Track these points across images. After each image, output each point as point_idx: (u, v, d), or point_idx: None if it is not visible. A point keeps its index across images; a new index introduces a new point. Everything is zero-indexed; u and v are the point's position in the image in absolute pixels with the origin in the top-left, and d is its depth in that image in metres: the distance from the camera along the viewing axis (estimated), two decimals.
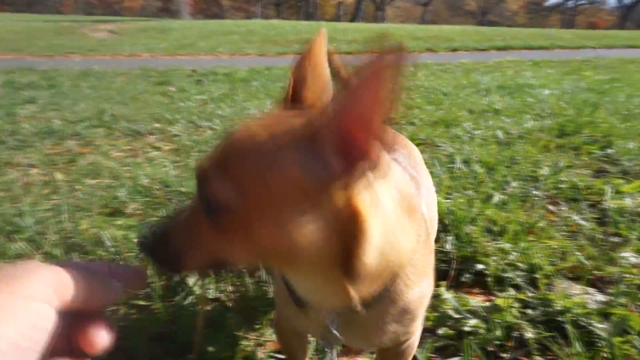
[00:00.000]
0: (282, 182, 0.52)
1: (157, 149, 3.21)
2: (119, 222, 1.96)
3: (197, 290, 1.37)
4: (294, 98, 0.64)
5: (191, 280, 1.44)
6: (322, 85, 0.65)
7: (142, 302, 1.38)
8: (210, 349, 1.11)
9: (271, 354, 1.17)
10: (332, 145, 0.50)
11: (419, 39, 16.54)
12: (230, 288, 1.45)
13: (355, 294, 0.62)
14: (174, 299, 1.41)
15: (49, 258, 1.63)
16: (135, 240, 0.64)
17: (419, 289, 0.72)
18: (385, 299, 0.68)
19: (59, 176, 2.55)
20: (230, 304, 1.36)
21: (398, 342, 0.82)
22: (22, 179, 2.49)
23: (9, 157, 2.89)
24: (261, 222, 0.54)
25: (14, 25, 20.51)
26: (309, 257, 0.56)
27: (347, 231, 0.55)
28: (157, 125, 3.81)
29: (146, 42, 15.46)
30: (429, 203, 0.90)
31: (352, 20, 37.44)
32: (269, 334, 1.23)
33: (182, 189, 2.27)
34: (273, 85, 6.23)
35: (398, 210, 0.62)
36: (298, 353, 1.02)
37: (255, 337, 1.20)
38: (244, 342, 1.18)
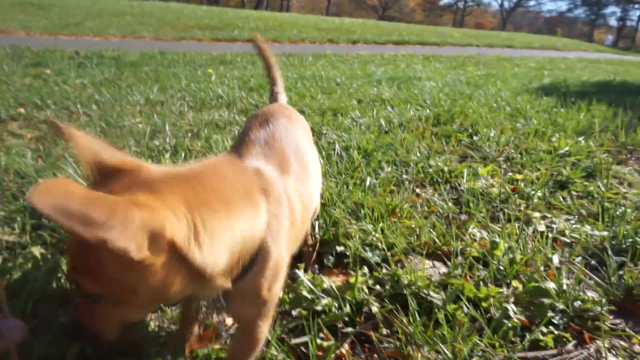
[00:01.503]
0: (112, 268, 0.64)
1: (19, 136, 2.87)
2: None
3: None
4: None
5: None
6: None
7: None
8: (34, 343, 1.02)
9: None
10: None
11: (321, 29, 16.79)
12: None
13: (221, 284, 0.76)
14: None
15: None
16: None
17: (269, 279, 0.87)
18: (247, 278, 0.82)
19: None
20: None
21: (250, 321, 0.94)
22: None
23: None
24: (123, 293, 0.67)
25: None
26: (174, 288, 0.69)
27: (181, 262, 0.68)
28: (22, 110, 3.42)
29: (22, 18, 13.79)
30: (300, 188, 1.03)
31: (256, 8, 36.88)
32: None
33: (40, 180, 2.05)
34: (166, 70, 5.92)
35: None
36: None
37: None
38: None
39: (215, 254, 0.71)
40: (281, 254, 0.88)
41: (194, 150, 2.63)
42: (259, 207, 0.81)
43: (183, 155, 2.53)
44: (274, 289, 0.91)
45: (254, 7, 36.24)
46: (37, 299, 1.24)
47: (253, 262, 0.81)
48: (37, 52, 7.16)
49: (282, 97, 1.60)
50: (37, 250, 1.41)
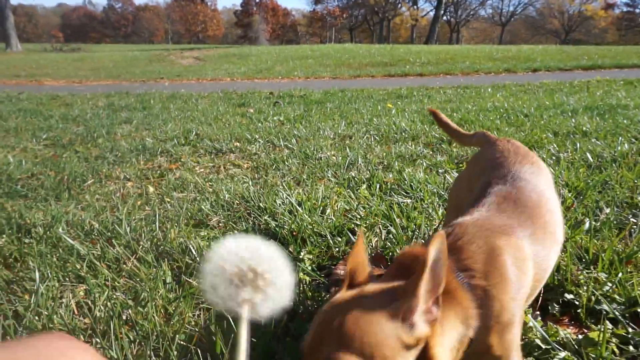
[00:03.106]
0: (387, 347, 0.70)
1: (238, 166, 3.37)
2: (203, 233, 2.08)
3: None
4: (350, 283, 0.83)
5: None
6: (365, 272, 0.84)
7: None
8: None
9: None
10: (415, 314, 0.72)
11: (496, 59, 16.04)
12: (308, 302, 1.48)
13: None
14: None
15: (143, 263, 1.76)
16: None
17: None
18: None
19: (150, 189, 2.76)
20: (309, 312, 1.38)
21: None
22: (119, 191, 2.74)
23: (109, 171, 3.19)
24: None
25: (113, 56, 22.78)
26: None
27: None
28: (238, 144, 4.02)
29: (227, 67, 16.45)
30: (536, 249, 0.98)
31: (426, 42, 37.14)
32: None
33: (261, 204, 2.36)
34: (347, 106, 6.33)
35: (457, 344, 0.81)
36: None
37: None
38: None
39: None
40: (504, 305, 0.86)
41: (388, 182, 2.71)
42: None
43: (378, 186, 2.63)
44: (505, 338, 0.87)
45: (424, 42, 36.64)
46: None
47: None
48: (241, 94, 8.41)
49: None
50: None
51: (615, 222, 2.01)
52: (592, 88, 8.30)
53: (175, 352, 1.24)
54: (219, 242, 0.56)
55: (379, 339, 0.69)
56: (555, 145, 3.49)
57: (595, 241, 1.77)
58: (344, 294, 0.79)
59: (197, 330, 1.36)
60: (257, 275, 0.54)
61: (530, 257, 0.95)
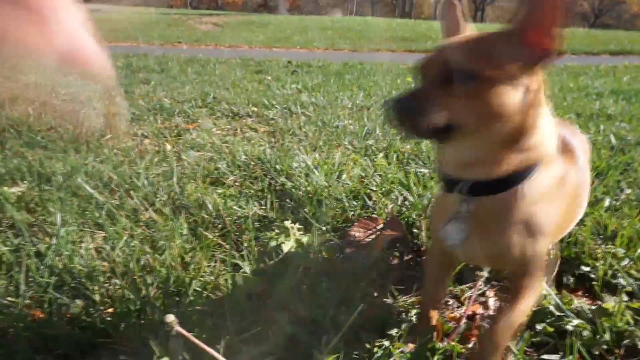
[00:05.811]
0: (500, 61, 0.81)
1: (254, 130, 3.37)
2: (219, 191, 2.10)
3: None
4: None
5: (285, 248, 1.51)
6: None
7: (236, 261, 1.47)
8: (302, 310, 1.16)
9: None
10: (523, 40, 0.81)
11: None
12: (323, 255, 1.50)
13: (504, 163, 0.86)
14: (268, 263, 1.49)
15: (160, 214, 1.79)
16: (387, 105, 0.84)
17: (546, 206, 0.92)
18: (514, 191, 0.89)
19: (168, 147, 2.78)
20: (323, 269, 1.40)
21: (518, 266, 0.95)
22: (137, 147, 2.76)
23: (127, 128, 3.20)
24: (490, 87, 0.79)
25: (132, 17, 22.62)
26: (504, 122, 0.82)
27: (531, 109, 0.85)
28: (255, 108, 4.00)
29: (246, 34, 16.25)
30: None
31: None
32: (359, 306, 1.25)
33: (277, 166, 2.36)
34: (366, 79, 6.24)
35: (551, 123, 0.95)
36: (438, 286, 1.17)
37: (344, 306, 1.23)
38: (334, 310, 1.21)
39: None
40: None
41: (405, 152, 2.69)
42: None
43: (395, 156, 2.60)
44: (535, 241, 0.91)
45: None
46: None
47: (524, 175, 0.88)
48: (258, 61, 8.33)
49: None
50: (288, 224, 1.62)
51: (636, 202, 1.98)
52: (619, 73, 8.05)
53: (191, 298, 1.27)
54: None
55: (490, 52, 0.81)
56: (579, 127, 3.42)
57: (614, 219, 1.74)
58: None
59: (212, 279, 1.38)
60: None
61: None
